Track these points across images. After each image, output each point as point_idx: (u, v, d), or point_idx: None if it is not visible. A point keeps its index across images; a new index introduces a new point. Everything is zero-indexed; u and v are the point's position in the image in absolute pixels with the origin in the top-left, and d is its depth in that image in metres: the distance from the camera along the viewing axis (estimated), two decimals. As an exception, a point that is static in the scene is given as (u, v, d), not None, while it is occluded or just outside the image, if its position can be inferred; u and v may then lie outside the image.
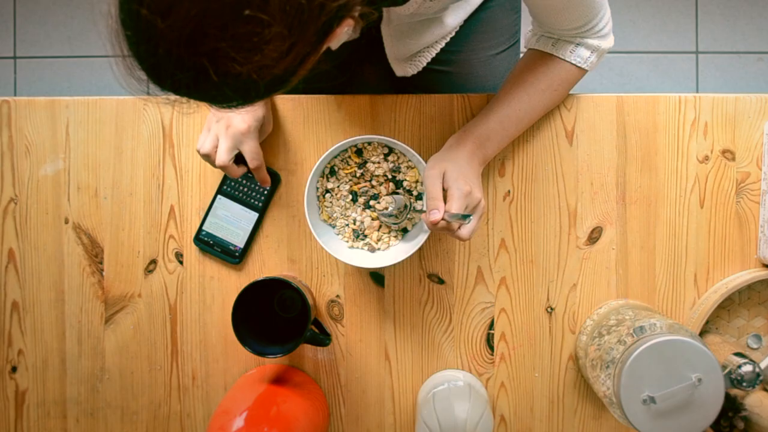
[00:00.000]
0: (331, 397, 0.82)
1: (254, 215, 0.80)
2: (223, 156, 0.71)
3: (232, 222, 0.80)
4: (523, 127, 0.76)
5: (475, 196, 0.68)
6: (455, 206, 0.65)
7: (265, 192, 0.80)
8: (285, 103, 0.82)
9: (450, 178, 0.67)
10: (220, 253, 0.80)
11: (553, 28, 0.71)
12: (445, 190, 0.68)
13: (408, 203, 0.76)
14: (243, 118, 0.72)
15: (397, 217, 0.76)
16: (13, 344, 0.82)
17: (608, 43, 0.73)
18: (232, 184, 0.80)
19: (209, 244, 0.80)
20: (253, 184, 0.80)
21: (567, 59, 0.72)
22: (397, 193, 0.77)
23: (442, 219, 0.65)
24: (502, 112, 0.73)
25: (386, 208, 0.76)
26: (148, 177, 0.82)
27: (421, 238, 0.74)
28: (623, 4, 1.65)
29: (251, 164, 0.73)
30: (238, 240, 0.80)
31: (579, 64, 0.73)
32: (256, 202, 0.80)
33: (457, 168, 0.68)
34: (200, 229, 0.80)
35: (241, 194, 0.80)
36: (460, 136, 0.73)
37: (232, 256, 0.80)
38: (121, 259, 0.82)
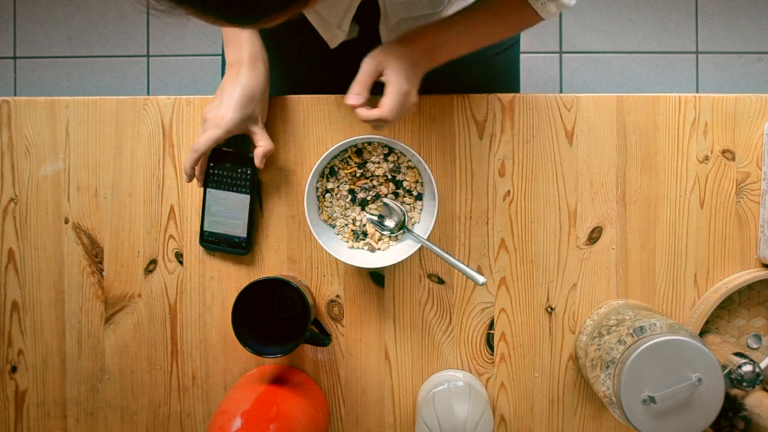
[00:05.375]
0: (331, 397, 0.82)
1: (246, 198, 0.79)
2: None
3: (228, 214, 0.79)
4: (469, 51, 0.76)
5: (412, 99, 0.68)
6: (391, 101, 0.65)
7: (248, 175, 0.79)
8: (285, 103, 0.82)
9: (392, 72, 0.66)
10: (228, 247, 0.80)
11: None
12: (380, 83, 0.67)
13: (405, 219, 0.76)
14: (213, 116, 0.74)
15: (392, 231, 0.77)
16: (13, 344, 0.82)
17: (573, 1, 0.75)
18: (215, 175, 0.79)
19: (215, 243, 0.80)
20: (234, 171, 0.79)
21: (537, 10, 0.74)
22: (396, 203, 0.78)
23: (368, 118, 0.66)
24: (463, 29, 0.74)
25: (381, 217, 0.77)
26: (148, 177, 0.82)
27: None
28: (623, 4, 1.65)
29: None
30: (239, 230, 0.80)
31: (542, 15, 0.75)
32: (244, 188, 0.79)
33: (401, 67, 0.68)
34: (202, 231, 0.80)
35: (226, 183, 0.79)
36: (416, 36, 0.72)
37: (239, 247, 0.80)
38: (121, 259, 0.82)
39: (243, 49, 0.75)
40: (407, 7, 0.77)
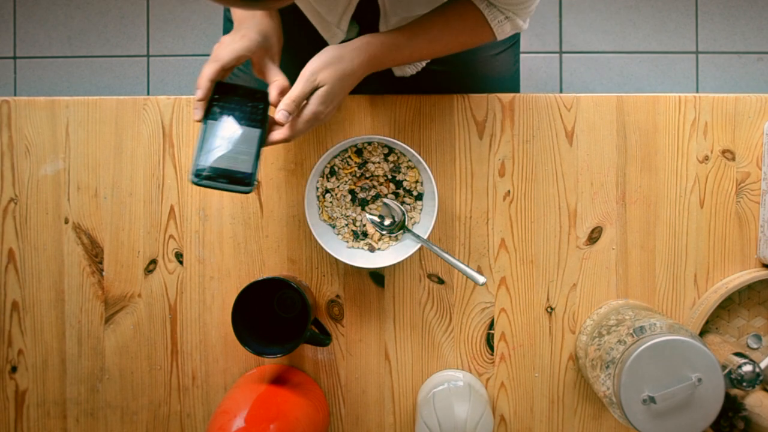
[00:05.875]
0: (331, 397, 0.82)
1: (255, 132, 0.66)
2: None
3: (232, 148, 0.66)
4: (415, 60, 0.77)
5: (322, 119, 0.68)
6: (300, 126, 0.66)
7: (260, 109, 0.68)
8: (285, 103, 0.82)
9: (317, 96, 0.66)
10: (228, 183, 0.65)
11: None
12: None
13: (405, 219, 0.76)
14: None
15: (392, 231, 0.77)
16: (13, 344, 0.82)
17: (526, 25, 0.78)
18: (220, 107, 0.68)
19: (213, 178, 0.65)
20: (243, 105, 0.68)
21: (493, 28, 0.75)
22: (396, 203, 0.78)
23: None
24: (416, 47, 0.73)
25: (380, 217, 0.77)
26: (148, 177, 0.82)
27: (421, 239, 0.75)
28: (623, 4, 1.65)
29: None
30: (245, 166, 0.65)
31: (497, 35, 0.76)
32: (254, 122, 0.67)
33: (336, 88, 0.67)
34: (196, 166, 0.65)
35: (235, 115, 0.67)
36: (367, 47, 0.69)
37: (242, 183, 0.65)
38: (121, 259, 0.82)
39: (256, 12, 0.72)
40: (407, 6, 0.77)
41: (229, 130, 0.66)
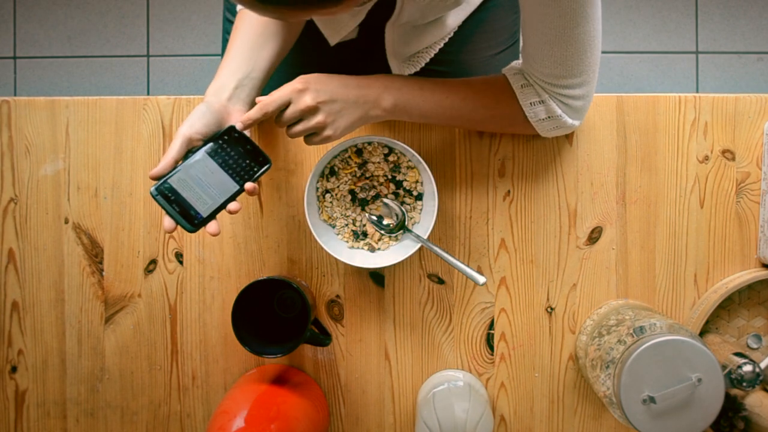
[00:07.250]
0: (331, 397, 0.82)
1: (234, 187, 0.69)
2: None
3: (204, 187, 0.68)
4: (438, 120, 0.72)
5: (307, 103, 0.64)
6: (274, 93, 0.63)
7: (253, 171, 0.70)
8: (285, 103, 0.82)
9: (295, 78, 0.64)
10: (177, 213, 0.67)
11: (534, 64, 0.68)
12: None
13: (405, 219, 0.76)
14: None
15: (392, 231, 0.77)
16: (13, 344, 0.82)
17: (572, 120, 0.71)
18: (221, 147, 0.69)
19: (168, 199, 0.67)
20: (242, 158, 0.70)
21: (522, 105, 0.70)
22: (396, 203, 0.78)
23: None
24: (432, 97, 0.70)
25: (380, 217, 0.77)
26: (148, 177, 0.82)
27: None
28: (623, 4, 1.65)
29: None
30: (203, 208, 0.68)
31: (529, 116, 0.71)
32: (239, 178, 0.69)
33: (312, 77, 0.64)
34: (164, 181, 0.67)
35: (224, 162, 0.69)
36: (377, 89, 0.67)
37: (191, 221, 0.67)
38: (121, 259, 0.82)
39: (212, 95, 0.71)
40: (423, 10, 0.77)
41: (214, 171, 0.68)
